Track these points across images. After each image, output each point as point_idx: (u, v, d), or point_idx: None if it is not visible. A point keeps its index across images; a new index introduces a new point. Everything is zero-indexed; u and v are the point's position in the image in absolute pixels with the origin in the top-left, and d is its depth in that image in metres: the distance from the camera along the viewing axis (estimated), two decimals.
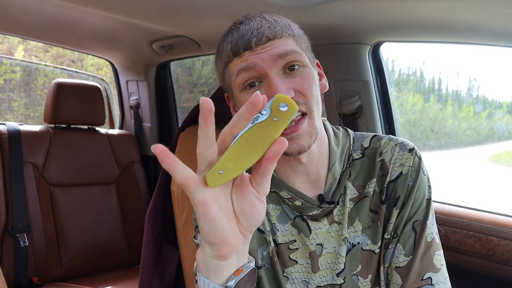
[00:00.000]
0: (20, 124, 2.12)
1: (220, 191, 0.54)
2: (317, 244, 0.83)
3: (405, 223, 0.80)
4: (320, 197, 0.82)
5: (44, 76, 3.68)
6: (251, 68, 0.73)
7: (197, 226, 0.85)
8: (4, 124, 2.05)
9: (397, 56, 1.96)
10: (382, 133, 1.57)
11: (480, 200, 1.49)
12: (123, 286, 1.94)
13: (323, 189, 0.83)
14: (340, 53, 1.54)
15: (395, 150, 0.83)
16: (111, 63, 2.51)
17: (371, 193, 0.83)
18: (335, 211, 0.82)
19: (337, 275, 0.82)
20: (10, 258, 1.88)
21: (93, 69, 5.39)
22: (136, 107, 2.52)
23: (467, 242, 1.29)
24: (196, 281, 0.61)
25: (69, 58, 5.58)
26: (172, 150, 1.60)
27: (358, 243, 0.82)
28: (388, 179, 0.82)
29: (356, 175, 0.84)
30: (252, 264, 0.60)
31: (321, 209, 0.82)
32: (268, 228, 0.85)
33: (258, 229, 0.85)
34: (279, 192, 0.84)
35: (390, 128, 1.59)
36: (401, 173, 0.81)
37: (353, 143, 0.87)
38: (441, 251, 0.80)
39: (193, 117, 1.60)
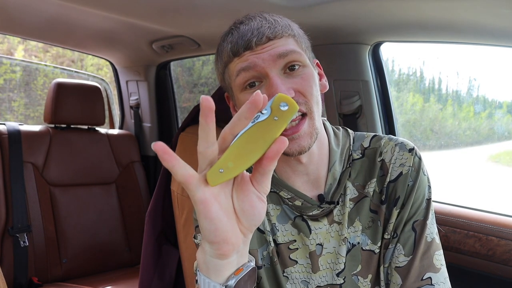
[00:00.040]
0: (20, 124, 2.12)
1: (221, 190, 0.54)
2: (317, 244, 0.83)
3: (405, 223, 0.80)
4: (320, 197, 0.82)
5: (44, 76, 3.68)
6: (251, 68, 0.73)
7: (197, 226, 0.85)
8: (4, 124, 2.05)
9: (397, 56, 1.96)
10: (382, 133, 1.57)
11: (480, 200, 1.49)
12: (123, 286, 1.94)
13: (323, 189, 0.83)
14: (340, 53, 1.54)
15: (395, 150, 0.83)
16: (111, 63, 2.51)
17: (371, 193, 0.83)
18: (335, 211, 0.82)
19: (337, 275, 0.82)
20: (10, 258, 1.88)
21: (93, 69, 5.39)
22: (136, 107, 2.52)
23: (467, 242, 1.29)
24: (196, 280, 0.61)
25: (69, 58, 5.58)
26: (172, 150, 1.59)
27: (358, 243, 0.82)
28: (388, 179, 0.82)
29: (356, 175, 0.84)
30: (252, 264, 0.60)
31: (321, 209, 0.82)
32: (268, 228, 0.85)
33: (258, 229, 0.85)
34: (279, 192, 0.84)
35: (390, 128, 1.59)
36: (401, 173, 0.81)
37: (353, 143, 0.87)
38: (441, 251, 0.80)
39: (193, 117, 1.60)
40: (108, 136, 2.34)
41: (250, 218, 0.55)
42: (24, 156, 2.00)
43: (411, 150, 0.82)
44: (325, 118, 0.94)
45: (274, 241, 0.85)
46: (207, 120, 0.48)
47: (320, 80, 0.83)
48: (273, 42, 0.74)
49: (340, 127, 0.90)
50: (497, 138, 1.81)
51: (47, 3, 1.52)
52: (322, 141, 0.83)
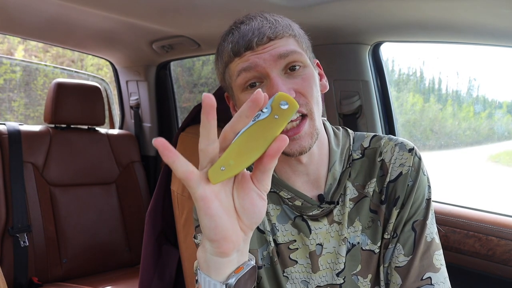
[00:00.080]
0: (20, 124, 2.12)
1: (221, 188, 0.54)
2: (317, 244, 0.83)
3: (404, 223, 0.80)
4: (320, 197, 0.82)
5: (44, 76, 3.68)
6: (252, 68, 0.73)
7: (197, 226, 0.85)
8: (4, 124, 2.05)
9: (397, 56, 1.96)
10: (382, 133, 1.57)
11: (480, 200, 1.49)
12: (123, 286, 1.94)
13: (323, 189, 0.83)
14: (340, 53, 1.54)
15: (395, 150, 0.83)
16: (111, 63, 2.51)
17: (371, 193, 0.83)
18: (335, 211, 0.83)
19: (337, 275, 0.82)
20: (10, 258, 1.88)
21: (93, 69, 5.39)
22: (136, 107, 2.52)
23: (467, 242, 1.29)
24: (197, 280, 0.62)
25: (69, 58, 5.58)
26: None
27: (358, 243, 0.82)
28: (388, 179, 0.82)
29: (356, 175, 0.84)
30: (253, 262, 0.61)
31: (321, 209, 0.82)
32: (268, 228, 0.85)
33: (258, 229, 0.85)
34: (279, 192, 0.84)
35: (390, 128, 1.59)
36: (401, 173, 0.81)
37: (353, 143, 0.87)
38: (441, 251, 0.80)
39: (193, 117, 1.60)
40: (108, 136, 2.34)
41: (251, 216, 0.55)
42: (24, 156, 2.00)
43: (411, 150, 0.82)
44: (325, 118, 0.94)
45: (274, 241, 0.85)
46: (209, 118, 0.49)
47: (320, 80, 0.83)
48: (274, 42, 0.74)
49: (340, 127, 0.91)
50: (497, 138, 1.81)
51: (47, 3, 1.52)
52: (322, 141, 0.83)
